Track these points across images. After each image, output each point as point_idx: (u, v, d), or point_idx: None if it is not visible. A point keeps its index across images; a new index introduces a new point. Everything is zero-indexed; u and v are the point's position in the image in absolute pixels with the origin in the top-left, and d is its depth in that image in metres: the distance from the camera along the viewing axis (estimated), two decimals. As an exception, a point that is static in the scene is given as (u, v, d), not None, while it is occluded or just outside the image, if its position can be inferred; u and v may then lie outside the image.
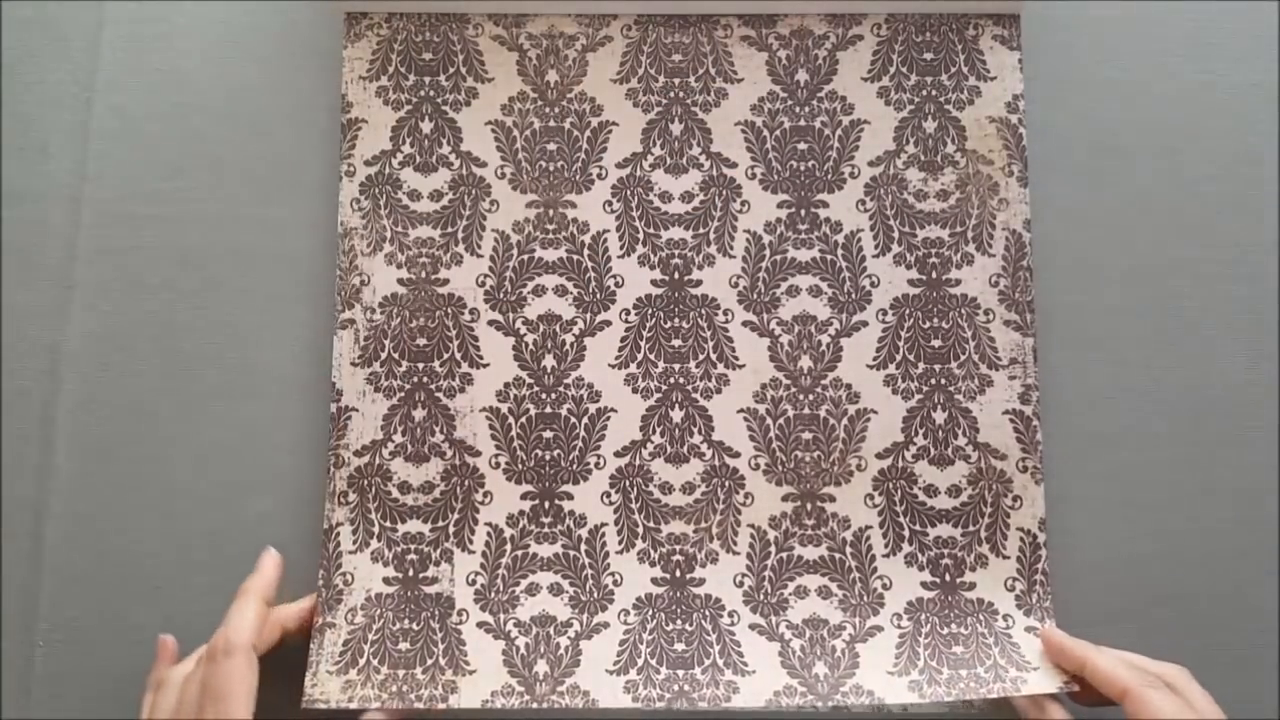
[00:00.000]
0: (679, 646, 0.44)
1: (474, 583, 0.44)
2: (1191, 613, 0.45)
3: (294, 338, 0.47)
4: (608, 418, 0.46)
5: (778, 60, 0.48)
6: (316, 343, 0.47)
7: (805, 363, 0.46)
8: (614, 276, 0.47)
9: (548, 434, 0.46)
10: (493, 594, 0.44)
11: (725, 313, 0.47)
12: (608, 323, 0.46)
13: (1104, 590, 0.45)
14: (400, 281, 0.46)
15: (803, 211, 0.47)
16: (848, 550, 0.45)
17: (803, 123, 0.48)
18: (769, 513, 0.45)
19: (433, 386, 0.46)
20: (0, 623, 0.45)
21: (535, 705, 0.43)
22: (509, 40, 0.48)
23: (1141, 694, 0.38)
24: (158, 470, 0.46)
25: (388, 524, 0.45)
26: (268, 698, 0.43)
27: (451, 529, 0.45)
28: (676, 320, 0.47)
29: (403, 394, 0.46)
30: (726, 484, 0.45)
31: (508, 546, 0.45)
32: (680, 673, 0.44)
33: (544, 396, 0.46)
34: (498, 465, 0.45)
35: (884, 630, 0.44)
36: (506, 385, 0.46)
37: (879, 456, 0.46)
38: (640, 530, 0.45)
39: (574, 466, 0.45)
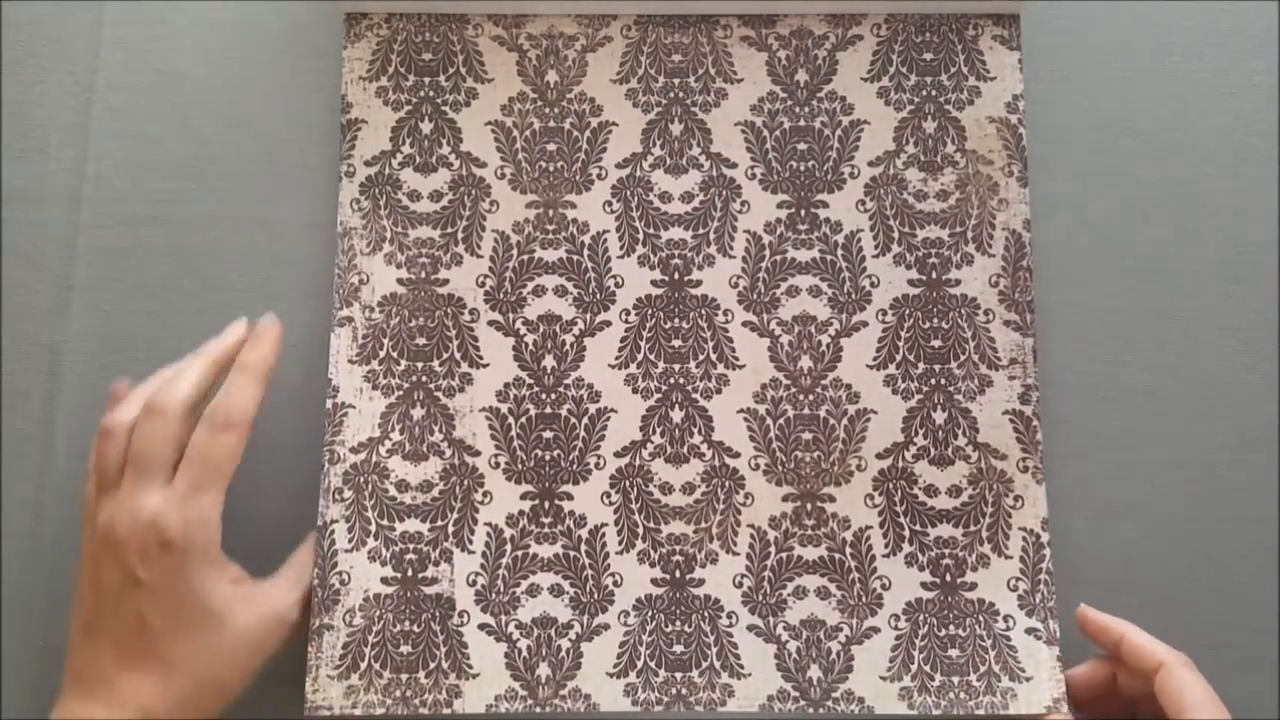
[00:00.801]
0: (678, 649, 0.44)
1: (474, 583, 0.44)
2: (1192, 612, 0.45)
3: (293, 337, 0.47)
4: (608, 418, 0.46)
5: (777, 60, 0.48)
6: (316, 343, 0.47)
7: (805, 363, 0.46)
8: (614, 277, 0.47)
9: (548, 434, 0.46)
10: (493, 595, 0.44)
11: (725, 313, 0.47)
12: (608, 323, 0.46)
13: (1103, 590, 0.45)
14: (400, 281, 0.46)
15: (803, 212, 0.47)
16: (848, 550, 0.45)
17: (802, 123, 0.48)
18: (769, 513, 0.45)
19: (432, 386, 0.46)
20: (0, 622, 0.45)
21: (538, 709, 0.43)
22: (509, 40, 0.48)
23: (1178, 671, 0.39)
24: (157, 470, 0.46)
25: (385, 522, 0.45)
26: (266, 699, 0.43)
27: (451, 529, 0.45)
28: (676, 320, 0.46)
29: (401, 392, 0.46)
30: (726, 484, 0.45)
31: (508, 547, 0.45)
32: (678, 675, 0.43)
33: (544, 396, 0.46)
34: (497, 465, 0.45)
35: (880, 632, 0.44)
36: (506, 385, 0.46)
37: (879, 456, 0.46)
38: (640, 530, 0.45)
39: (574, 467, 0.45)
